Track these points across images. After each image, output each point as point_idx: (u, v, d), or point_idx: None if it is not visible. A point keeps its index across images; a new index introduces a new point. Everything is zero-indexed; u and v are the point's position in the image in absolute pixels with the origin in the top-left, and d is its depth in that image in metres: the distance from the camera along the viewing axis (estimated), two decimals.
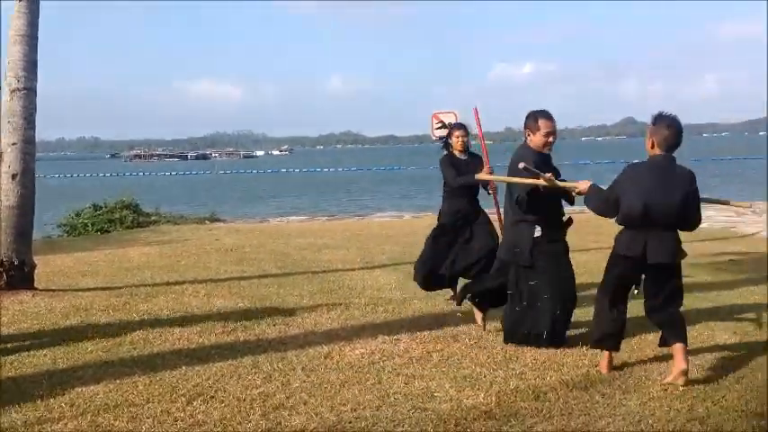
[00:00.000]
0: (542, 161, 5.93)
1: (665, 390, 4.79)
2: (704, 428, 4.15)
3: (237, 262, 10.81)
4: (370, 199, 36.90)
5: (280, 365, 5.46)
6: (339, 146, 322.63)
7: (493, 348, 5.85)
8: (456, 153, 7.93)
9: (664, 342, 5.15)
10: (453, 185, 7.72)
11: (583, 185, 5.38)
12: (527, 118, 6.03)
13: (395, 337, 6.21)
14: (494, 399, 4.67)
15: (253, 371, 5.34)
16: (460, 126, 8.15)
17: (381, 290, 8.37)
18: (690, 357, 5.08)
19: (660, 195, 4.86)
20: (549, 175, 5.58)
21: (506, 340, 5.99)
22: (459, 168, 7.78)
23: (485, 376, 5.15)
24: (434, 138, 19.83)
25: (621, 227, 5.08)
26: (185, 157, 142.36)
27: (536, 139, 5.97)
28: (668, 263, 4.97)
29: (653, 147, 4.97)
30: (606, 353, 5.24)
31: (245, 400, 4.74)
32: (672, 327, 5.05)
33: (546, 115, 6.01)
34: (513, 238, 6.02)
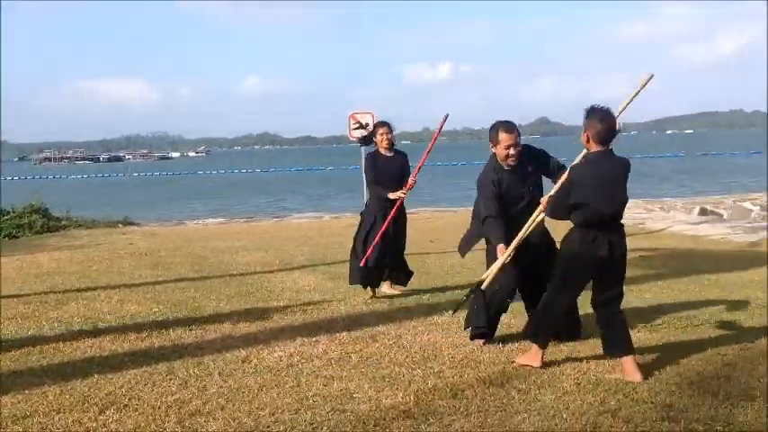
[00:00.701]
0: (511, 180, 5.86)
1: (578, 384, 4.89)
2: (616, 421, 4.25)
3: (152, 266, 10.60)
4: (288, 200, 36.65)
5: (196, 371, 5.37)
6: (257, 147, 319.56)
7: (411, 348, 5.88)
8: (382, 151, 8.03)
9: (611, 352, 5.11)
10: (368, 187, 8.02)
11: (543, 205, 5.39)
12: (490, 129, 5.90)
13: (313, 338, 6.18)
14: (412, 398, 4.69)
15: (168, 377, 5.24)
16: (384, 123, 8.17)
17: (300, 292, 8.32)
18: (595, 347, 5.22)
19: (613, 194, 4.93)
20: (506, 253, 5.58)
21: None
22: (384, 166, 7.96)
23: (403, 376, 5.17)
24: (352, 138, 19.90)
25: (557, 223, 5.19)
26: (98, 160, 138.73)
27: (498, 152, 5.85)
28: (624, 258, 5.10)
29: (588, 141, 4.97)
30: (543, 349, 5.26)
31: (159, 407, 4.64)
32: (618, 331, 5.07)
33: (507, 127, 5.83)
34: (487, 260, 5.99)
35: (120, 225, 18.05)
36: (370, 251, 7.77)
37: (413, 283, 8.30)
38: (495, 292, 5.83)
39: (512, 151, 5.78)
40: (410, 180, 7.86)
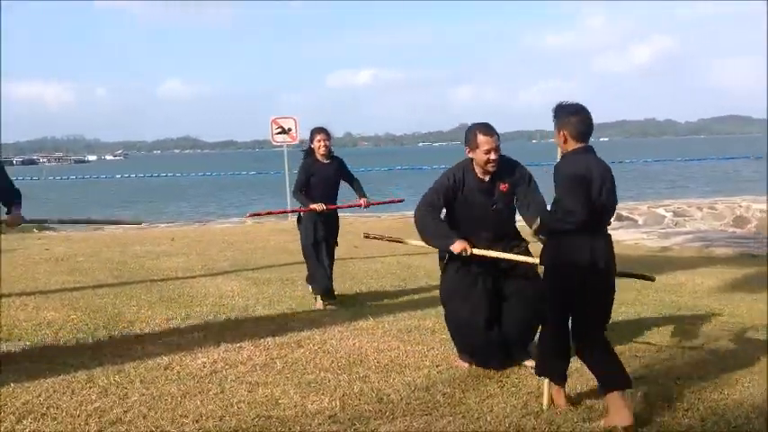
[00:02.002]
0: (478, 186, 5.34)
1: (502, 387, 4.97)
2: (538, 423, 4.34)
3: (69, 272, 10.32)
4: (211, 205, 36.20)
5: (116, 379, 5.25)
6: (177, 151, 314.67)
7: (337, 353, 5.88)
8: (318, 157, 7.87)
9: (604, 388, 4.35)
10: (294, 195, 7.95)
11: (535, 228, 4.59)
12: (467, 132, 5.32)
13: (237, 344, 6.12)
14: (338, 403, 4.69)
15: (87, 385, 5.10)
16: (321, 130, 7.91)
17: (223, 297, 8.22)
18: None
19: (609, 192, 4.36)
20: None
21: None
22: (320, 173, 7.85)
23: (329, 381, 5.16)
24: (274, 143, 19.78)
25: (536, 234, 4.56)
26: (10, 163, 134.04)
27: (477, 158, 5.25)
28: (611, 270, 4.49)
29: (566, 141, 4.38)
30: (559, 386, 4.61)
31: (79, 416, 4.52)
32: (608, 361, 4.40)
33: (485, 129, 5.25)
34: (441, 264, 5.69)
35: (34, 230, 17.51)
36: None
37: (337, 289, 8.29)
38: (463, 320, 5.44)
39: (492, 156, 5.20)
40: (362, 201, 8.09)
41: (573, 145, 4.38)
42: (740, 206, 19.87)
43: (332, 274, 8.01)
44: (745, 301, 7.79)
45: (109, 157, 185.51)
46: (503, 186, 5.34)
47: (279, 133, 18.31)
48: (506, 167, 5.36)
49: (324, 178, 7.87)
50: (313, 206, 7.72)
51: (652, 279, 5.29)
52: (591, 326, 4.42)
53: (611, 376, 4.31)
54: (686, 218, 18.38)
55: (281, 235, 14.52)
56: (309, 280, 8.08)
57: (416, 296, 8.25)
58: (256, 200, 37.61)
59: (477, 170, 5.34)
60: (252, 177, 49.16)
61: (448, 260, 5.44)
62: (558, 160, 4.46)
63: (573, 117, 4.38)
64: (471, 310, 5.36)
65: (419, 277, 9.48)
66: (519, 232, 5.50)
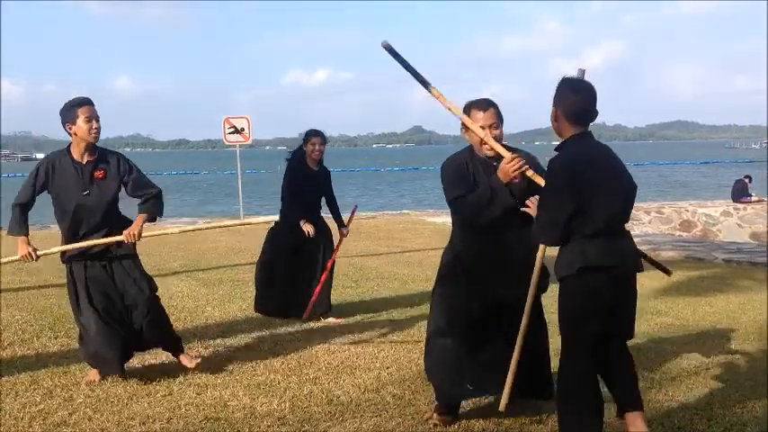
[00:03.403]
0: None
1: None
2: (487, 423, 4.36)
3: (14, 272, 10.10)
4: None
5: (62, 381, 5.16)
6: (128, 149, 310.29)
7: (287, 354, 5.86)
8: (309, 163, 7.20)
9: (623, 410, 3.87)
10: (285, 209, 7.22)
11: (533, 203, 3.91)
12: (463, 112, 4.31)
13: (187, 345, 6.02)
14: (288, 405, 4.68)
15: (32, 387, 5.02)
16: (318, 133, 7.14)
17: (173, 298, 8.12)
18: None
19: (620, 185, 3.75)
20: None
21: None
22: (307, 182, 7.18)
23: (279, 383, 5.14)
24: (227, 142, 19.57)
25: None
26: None
27: (472, 139, 4.31)
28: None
29: (557, 119, 3.78)
30: None
31: (23, 418, 4.45)
32: (631, 380, 3.93)
33: (480, 104, 4.29)
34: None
35: None
36: (318, 289, 7.08)
37: None
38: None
39: (489, 134, 4.21)
40: (344, 232, 7.45)
41: (568, 129, 3.75)
42: (687, 210, 20.28)
43: (323, 294, 7.21)
44: (690, 304, 7.94)
45: None
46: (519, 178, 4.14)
47: (231, 133, 18.12)
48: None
49: (311, 187, 7.21)
50: (305, 227, 7.01)
51: (669, 273, 4.90)
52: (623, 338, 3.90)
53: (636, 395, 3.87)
54: (634, 221, 18.68)
55: (233, 235, 14.40)
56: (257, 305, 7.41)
57: (368, 298, 8.24)
58: (209, 200, 37.29)
59: (480, 155, 4.36)
60: (205, 177, 48.65)
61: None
62: (554, 151, 3.80)
63: (574, 95, 3.75)
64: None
65: (370, 279, 9.49)
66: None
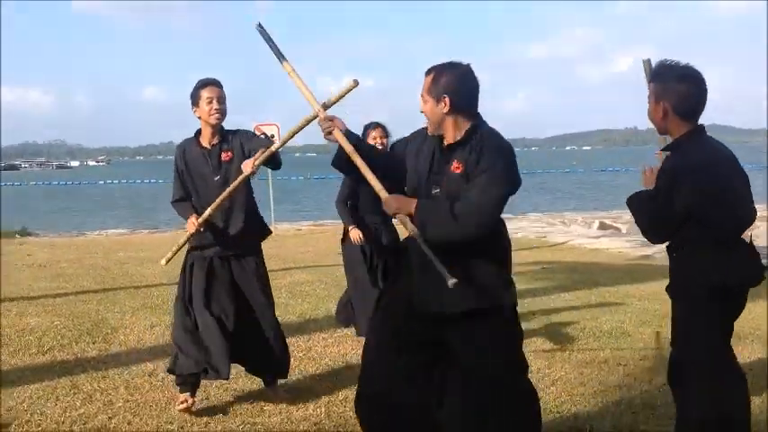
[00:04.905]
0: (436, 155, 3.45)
1: None
2: None
3: (53, 278, 10.27)
4: None
5: (101, 385, 5.24)
6: (160, 157, 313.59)
7: (321, 359, 5.89)
8: None
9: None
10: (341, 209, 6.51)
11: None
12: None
13: None
14: (323, 410, 4.70)
15: (72, 392, 5.09)
16: (377, 125, 6.45)
17: None
18: None
19: (746, 194, 3.38)
20: None
21: None
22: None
23: (314, 388, 5.17)
24: None
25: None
26: None
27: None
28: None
29: (665, 116, 3.31)
30: None
31: (64, 422, 4.52)
32: None
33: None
34: None
35: (17, 236, 17.40)
36: None
37: (322, 297, 8.28)
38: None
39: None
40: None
41: (679, 126, 3.31)
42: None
43: None
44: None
45: (91, 163, 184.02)
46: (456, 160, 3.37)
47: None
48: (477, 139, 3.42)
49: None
50: (352, 233, 6.32)
51: None
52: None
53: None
54: None
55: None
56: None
57: None
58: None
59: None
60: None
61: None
62: (668, 155, 3.36)
63: (681, 84, 3.27)
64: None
65: None
66: None
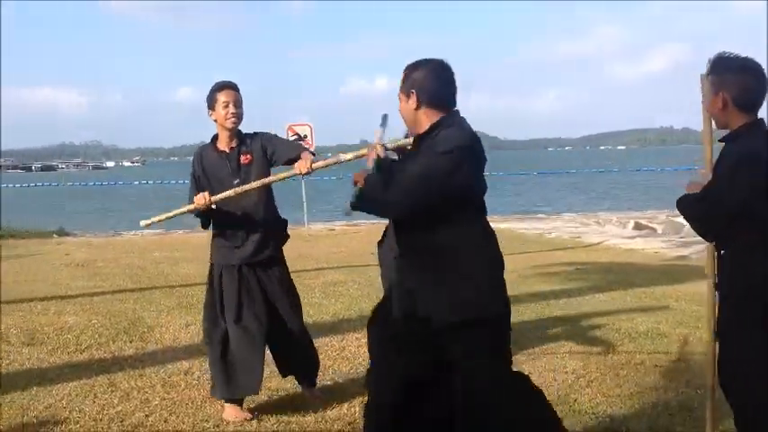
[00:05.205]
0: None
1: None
2: None
3: (90, 277, 10.41)
4: None
5: (138, 383, 5.30)
6: (189, 158, 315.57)
7: (355, 359, 5.91)
8: None
9: None
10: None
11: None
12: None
13: None
14: (357, 409, 4.70)
15: (109, 390, 5.16)
16: None
17: None
18: (535, 360, 5.29)
19: None
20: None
21: None
22: None
23: (348, 387, 5.19)
24: None
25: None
26: (29, 169, 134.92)
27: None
28: None
29: (725, 107, 3.18)
30: None
31: (101, 420, 4.58)
32: None
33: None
34: None
35: (54, 235, 17.65)
36: None
37: (356, 297, 8.30)
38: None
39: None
40: None
41: (738, 117, 3.19)
42: None
43: None
44: None
45: (126, 164, 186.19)
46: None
47: (294, 140, 18.30)
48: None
49: None
50: None
51: None
52: None
53: None
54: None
55: (294, 241, 14.54)
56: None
57: None
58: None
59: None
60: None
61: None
62: (726, 145, 3.23)
63: (743, 75, 3.17)
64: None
65: None
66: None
